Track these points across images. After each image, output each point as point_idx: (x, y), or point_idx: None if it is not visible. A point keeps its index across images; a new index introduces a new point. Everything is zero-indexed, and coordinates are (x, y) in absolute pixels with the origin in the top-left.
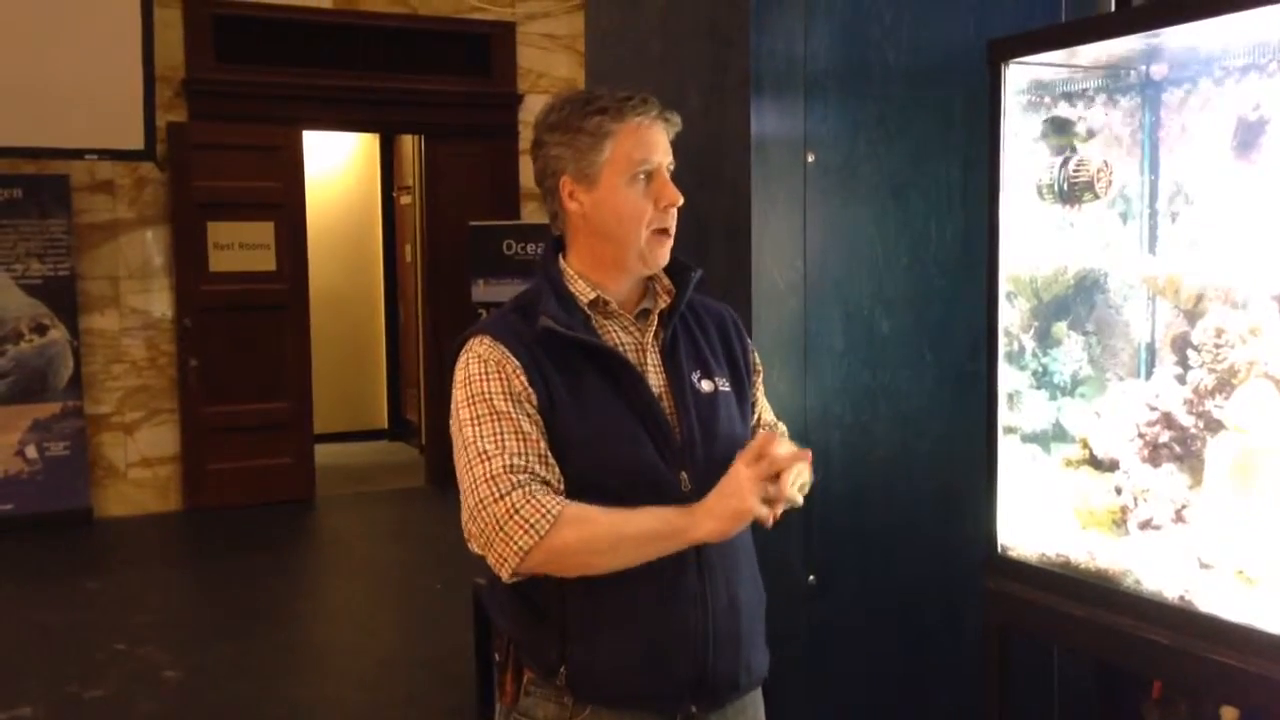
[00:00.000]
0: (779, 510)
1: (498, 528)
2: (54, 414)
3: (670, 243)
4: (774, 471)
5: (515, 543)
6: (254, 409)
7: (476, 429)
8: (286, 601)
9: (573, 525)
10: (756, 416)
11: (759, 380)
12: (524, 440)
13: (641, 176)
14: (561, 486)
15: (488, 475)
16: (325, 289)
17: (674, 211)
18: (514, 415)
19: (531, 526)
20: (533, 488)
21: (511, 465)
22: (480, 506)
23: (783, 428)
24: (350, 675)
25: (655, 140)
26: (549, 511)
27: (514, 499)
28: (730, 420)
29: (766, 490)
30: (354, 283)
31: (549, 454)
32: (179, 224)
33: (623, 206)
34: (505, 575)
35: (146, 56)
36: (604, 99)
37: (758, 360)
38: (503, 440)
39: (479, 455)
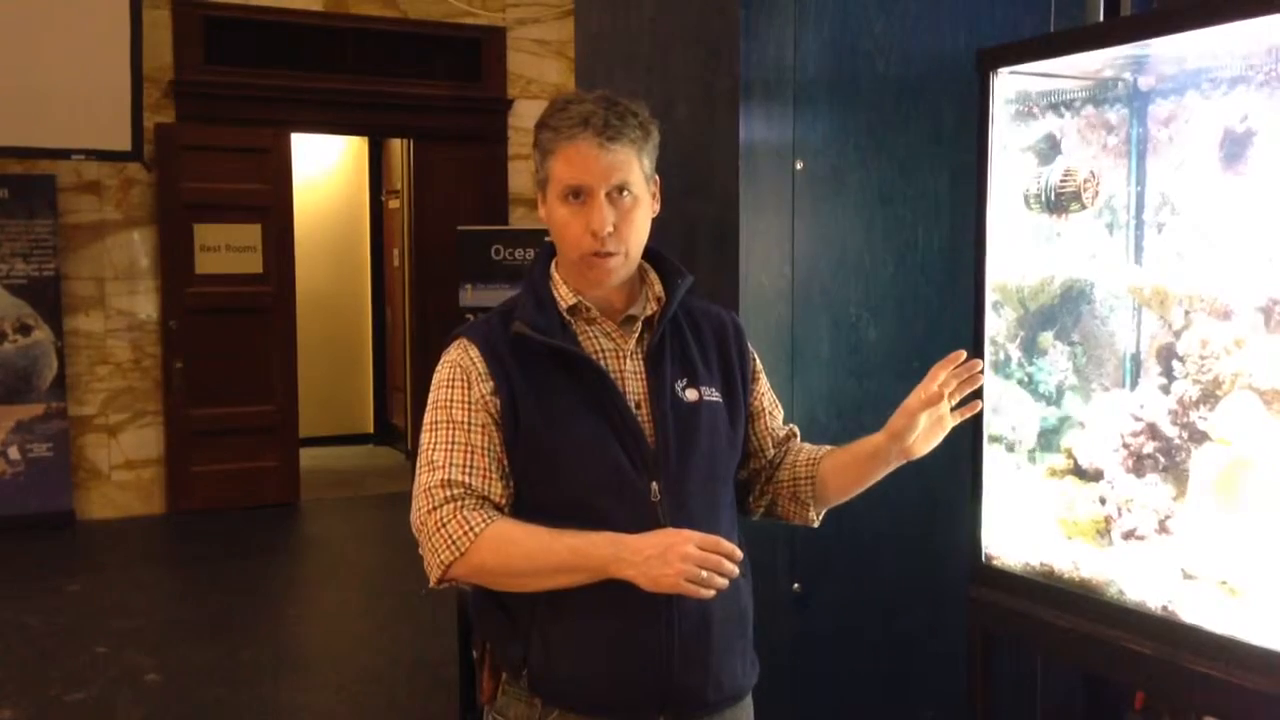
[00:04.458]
0: (689, 591)
1: (426, 538)
2: (37, 415)
3: (611, 263)
4: (712, 566)
5: (438, 555)
6: (239, 412)
7: (432, 436)
8: (270, 605)
9: (491, 546)
10: (762, 424)
11: (760, 385)
12: (470, 454)
13: (572, 197)
14: (504, 502)
15: (427, 486)
16: (312, 292)
17: (610, 236)
18: (467, 427)
19: (454, 542)
20: (464, 503)
21: (450, 479)
22: (416, 514)
23: (796, 437)
24: (333, 679)
25: (588, 163)
26: (472, 529)
27: (443, 513)
28: (713, 431)
29: (698, 574)
30: (341, 286)
31: (495, 469)
32: (166, 225)
33: (557, 224)
34: (431, 582)
35: (135, 57)
36: (556, 115)
37: (758, 365)
38: (450, 453)
39: (427, 464)
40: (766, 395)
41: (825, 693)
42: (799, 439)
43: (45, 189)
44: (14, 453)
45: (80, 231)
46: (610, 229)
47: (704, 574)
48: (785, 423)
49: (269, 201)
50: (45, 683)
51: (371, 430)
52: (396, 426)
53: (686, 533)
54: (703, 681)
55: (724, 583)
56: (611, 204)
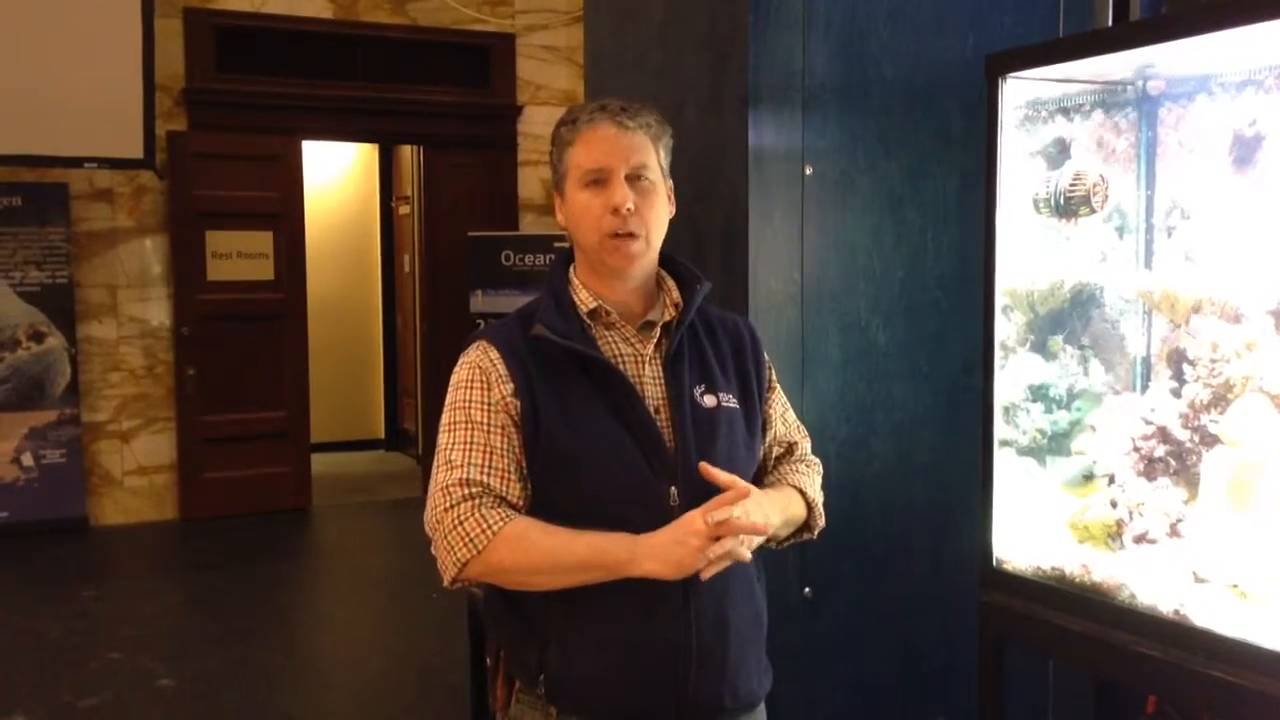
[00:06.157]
0: (712, 570)
1: (443, 536)
2: (51, 422)
3: (633, 246)
4: (725, 532)
5: (455, 553)
6: (251, 418)
7: (450, 436)
8: (282, 611)
9: (509, 544)
10: (770, 435)
11: (773, 396)
12: (489, 454)
13: (592, 182)
14: (522, 504)
15: (444, 484)
16: (323, 298)
17: (631, 215)
18: (486, 428)
19: (471, 541)
20: (482, 502)
21: (468, 478)
22: (432, 512)
23: (806, 446)
24: (346, 685)
25: (606, 145)
26: (489, 527)
27: (460, 511)
28: (731, 437)
29: (711, 546)
30: (352, 292)
31: (513, 470)
32: (177, 233)
33: (578, 213)
34: (446, 581)
35: (147, 66)
36: (573, 111)
37: (773, 376)
38: (469, 452)
39: (445, 463)
40: (776, 406)
41: (836, 698)
42: (795, 453)
43: (58, 197)
44: (27, 459)
45: (93, 239)
46: (631, 206)
47: (724, 547)
48: (799, 432)
49: (280, 208)
50: (58, 689)
51: (382, 436)
52: (408, 432)
53: (690, 514)
54: (719, 687)
55: (744, 540)
56: (630, 186)
